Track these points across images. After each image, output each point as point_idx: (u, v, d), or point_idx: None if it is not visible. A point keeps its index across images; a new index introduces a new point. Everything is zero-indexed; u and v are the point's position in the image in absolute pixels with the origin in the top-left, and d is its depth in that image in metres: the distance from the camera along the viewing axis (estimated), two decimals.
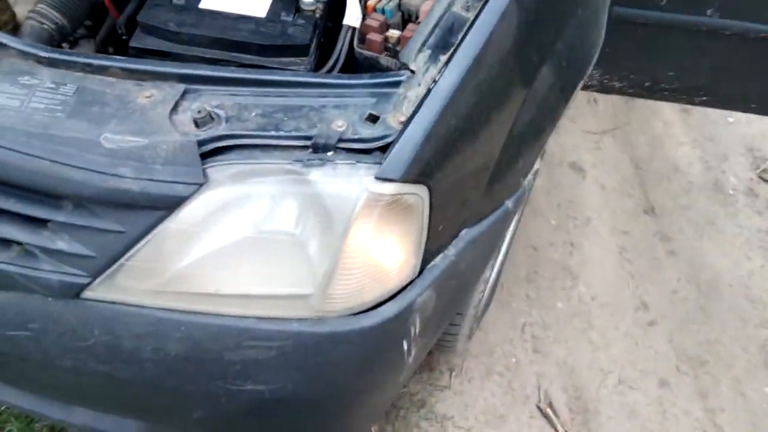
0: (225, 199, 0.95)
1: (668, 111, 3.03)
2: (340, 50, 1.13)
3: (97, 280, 0.97)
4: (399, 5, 1.20)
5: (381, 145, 0.95)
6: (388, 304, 1.03)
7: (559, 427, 1.77)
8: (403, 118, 0.97)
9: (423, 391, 1.82)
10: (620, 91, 2.23)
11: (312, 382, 1.01)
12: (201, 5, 1.19)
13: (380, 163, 0.94)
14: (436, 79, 1.00)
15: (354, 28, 1.16)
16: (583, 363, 1.98)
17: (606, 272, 2.27)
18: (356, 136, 0.96)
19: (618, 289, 2.23)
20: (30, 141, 0.92)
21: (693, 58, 1.99)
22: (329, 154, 0.95)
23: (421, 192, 0.97)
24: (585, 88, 2.26)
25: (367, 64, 1.13)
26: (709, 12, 1.83)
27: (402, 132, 0.95)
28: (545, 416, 1.81)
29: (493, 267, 1.49)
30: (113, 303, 0.99)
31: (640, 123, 2.95)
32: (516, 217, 1.89)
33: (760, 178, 2.72)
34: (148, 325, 0.98)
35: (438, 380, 1.85)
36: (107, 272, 0.97)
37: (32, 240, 0.96)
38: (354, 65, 1.15)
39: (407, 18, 1.22)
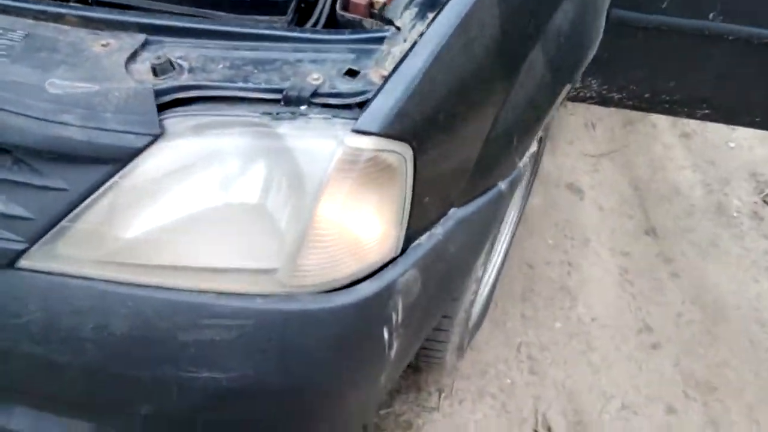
0: (184, 154, 0.85)
1: (668, 135, 2.97)
2: (321, 10, 1.04)
3: (35, 247, 0.85)
4: None
5: (360, 100, 0.86)
6: (366, 282, 0.91)
7: None
8: (385, 73, 0.88)
9: (409, 412, 1.67)
10: (619, 104, 2.16)
11: (277, 370, 0.88)
12: None
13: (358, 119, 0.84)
14: (423, 33, 0.91)
15: None
16: (583, 386, 1.83)
17: (606, 293, 2.15)
18: (333, 91, 0.87)
19: (619, 310, 2.10)
20: None
21: (695, 66, 1.92)
22: (302, 108, 0.86)
23: (403, 151, 0.87)
24: (583, 100, 2.19)
25: (349, 27, 1.04)
26: (711, 16, 1.76)
27: (384, 83, 0.86)
28: None
29: (485, 268, 1.38)
30: (52, 274, 0.87)
31: (639, 147, 2.88)
32: (511, 225, 1.79)
33: (765, 201, 2.63)
34: (89, 298, 0.86)
35: (426, 401, 1.71)
36: (47, 237, 0.85)
37: None
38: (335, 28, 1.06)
39: None
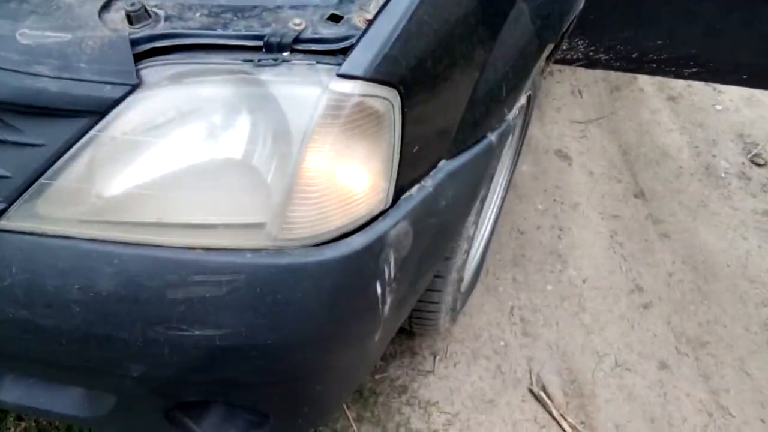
0: (163, 105, 0.82)
1: (655, 99, 2.96)
2: None
3: (14, 207, 0.83)
4: None
5: (344, 45, 0.83)
6: (356, 235, 0.88)
7: (554, 410, 1.63)
8: (369, 17, 0.85)
9: (404, 376, 1.67)
10: (607, 65, 2.14)
11: (268, 326, 0.86)
12: None
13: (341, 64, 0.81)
14: None
15: None
16: (576, 346, 1.84)
17: (597, 256, 2.16)
18: (316, 36, 0.84)
19: (610, 272, 2.10)
20: None
21: (682, 24, 1.90)
22: (284, 54, 0.83)
23: (390, 97, 0.84)
24: (571, 63, 2.17)
25: None
26: None
27: (369, 26, 0.83)
28: (538, 400, 1.66)
29: (476, 228, 1.36)
30: (34, 234, 0.84)
31: (626, 112, 2.88)
32: (501, 189, 1.78)
33: (752, 162, 2.64)
34: (74, 258, 0.83)
35: (421, 365, 1.70)
36: (25, 195, 0.82)
37: None
38: None
39: None
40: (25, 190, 0.82)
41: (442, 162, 1.01)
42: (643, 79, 3.03)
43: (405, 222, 0.94)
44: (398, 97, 0.85)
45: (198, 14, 0.86)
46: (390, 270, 0.94)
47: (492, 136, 1.09)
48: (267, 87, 0.81)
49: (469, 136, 1.05)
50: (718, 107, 2.95)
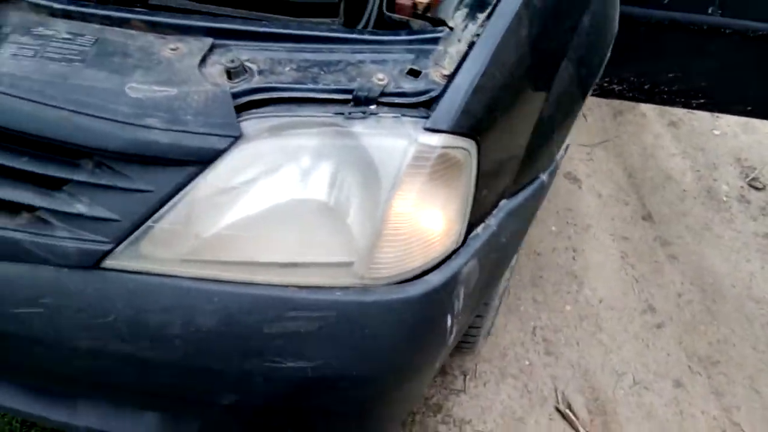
0: (261, 155, 0.88)
1: (657, 124, 3.07)
2: (371, 11, 1.08)
3: (120, 247, 0.88)
4: None
5: (426, 99, 0.90)
6: (434, 273, 0.95)
7: (580, 428, 1.70)
8: (446, 72, 0.93)
9: (438, 395, 1.73)
10: (619, 95, 2.24)
11: (357, 359, 0.92)
12: None
13: (426, 117, 0.89)
14: (479, 33, 0.96)
15: None
16: (596, 365, 1.92)
17: (610, 277, 2.24)
18: (399, 90, 0.91)
19: (623, 292, 2.19)
20: (46, 90, 0.85)
21: (695, 59, 2.01)
22: (371, 107, 0.89)
23: (468, 147, 0.91)
24: None
25: (396, 27, 1.08)
26: (710, 10, 1.84)
27: (449, 83, 0.90)
28: (565, 418, 1.73)
29: (518, 255, 1.43)
30: (137, 273, 0.90)
31: (630, 136, 2.98)
32: None
33: (751, 186, 2.75)
34: (176, 296, 0.89)
35: (452, 384, 1.77)
36: (131, 237, 0.88)
37: (47, 204, 0.87)
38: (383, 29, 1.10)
39: None
40: (131, 232, 0.87)
41: (503, 202, 1.09)
42: (645, 105, 3.14)
43: (474, 260, 1.01)
44: (475, 147, 0.92)
45: (288, 68, 0.92)
46: (459, 303, 1.01)
47: (544, 176, 1.16)
48: (358, 138, 0.88)
49: (526, 177, 1.12)
50: (717, 132, 3.07)
